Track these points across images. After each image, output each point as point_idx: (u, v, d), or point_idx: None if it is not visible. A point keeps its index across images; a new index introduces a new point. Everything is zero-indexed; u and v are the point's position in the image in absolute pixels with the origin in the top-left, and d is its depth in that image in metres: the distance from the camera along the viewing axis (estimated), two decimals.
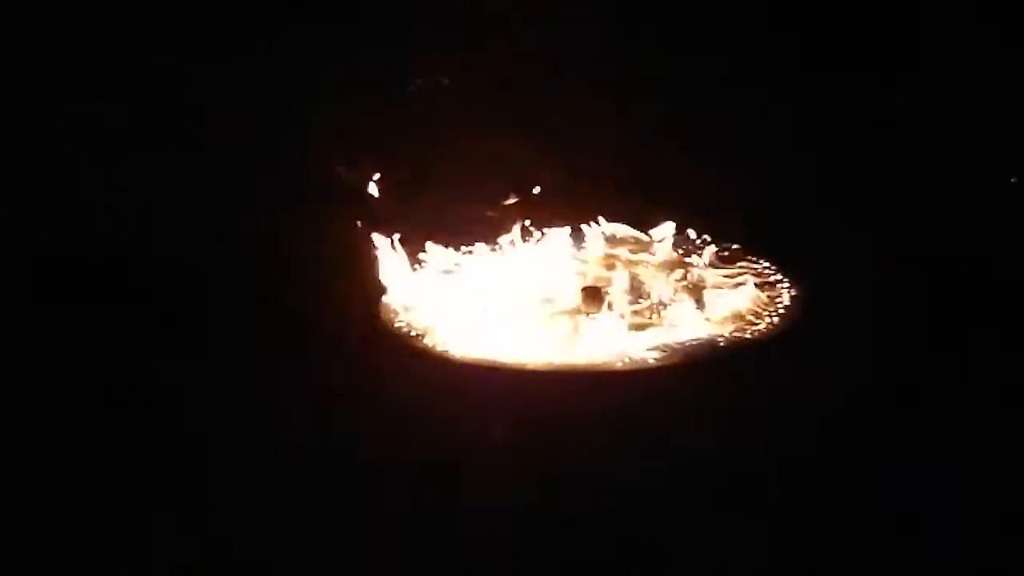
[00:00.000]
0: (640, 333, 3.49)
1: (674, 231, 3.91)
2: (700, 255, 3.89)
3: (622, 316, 3.57)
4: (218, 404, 3.43)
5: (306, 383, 3.48)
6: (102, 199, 4.69)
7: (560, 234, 3.99)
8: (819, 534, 2.87)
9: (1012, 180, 4.21)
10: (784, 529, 2.88)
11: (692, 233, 3.97)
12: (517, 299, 3.66)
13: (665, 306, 3.62)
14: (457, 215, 3.88)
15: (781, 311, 3.60)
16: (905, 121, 4.90)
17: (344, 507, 2.98)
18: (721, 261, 3.90)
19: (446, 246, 3.84)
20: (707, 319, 3.55)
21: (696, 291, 3.69)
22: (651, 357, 3.36)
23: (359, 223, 3.82)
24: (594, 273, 3.78)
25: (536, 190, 4.19)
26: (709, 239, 3.98)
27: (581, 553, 2.86)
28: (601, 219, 4.00)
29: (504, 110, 5.02)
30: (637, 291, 3.69)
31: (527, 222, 4.01)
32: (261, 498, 3.03)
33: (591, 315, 3.57)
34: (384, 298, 3.70)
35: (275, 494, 3.05)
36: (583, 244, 3.88)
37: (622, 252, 3.91)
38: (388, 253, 3.75)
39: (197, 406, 3.42)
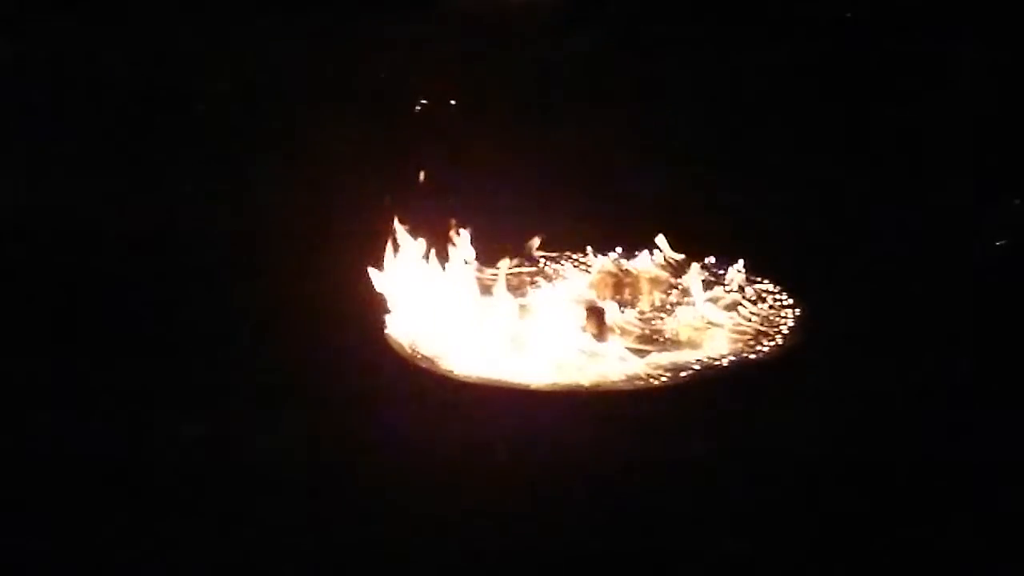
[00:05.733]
0: (644, 353, 3.51)
1: (678, 252, 3.91)
2: (704, 274, 3.89)
3: (626, 336, 3.58)
4: (216, 420, 3.44)
5: (309, 401, 3.49)
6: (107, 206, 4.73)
7: (564, 254, 4.01)
8: (824, 555, 2.88)
9: (1016, 202, 4.22)
10: (786, 549, 2.89)
11: (696, 253, 3.97)
12: (521, 318, 3.67)
13: (669, 325, 3.64)
14: (465, 235, 3.88)
15: (785, 330, 3.62)
16: (905, 133, 4.94)
17: (344, 526, 2.99)
18: (724, 280, 3.91)
19: (453, 264, 3.84)
20: (712, 338, 3.57)
21: (699, 310, 3.70)
22: (656, 377, 3.37)
23: (372, 237, 3.83)
24: (598, 293, 3.78)
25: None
26: (712, 259, 3.98)
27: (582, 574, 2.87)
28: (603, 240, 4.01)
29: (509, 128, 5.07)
30: (641, 311, 3.70)
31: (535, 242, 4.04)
32: (261, 514, 3.05)
33: (595, 335, 3.58)
34: (389, 317, 3.71)
35: (275, 512, 3.06)
36: (587, 263, 3.88)
37: (626, 272, 3.91)
38: (394, 269, 3.76)
39: (195, 422, 3.43)
